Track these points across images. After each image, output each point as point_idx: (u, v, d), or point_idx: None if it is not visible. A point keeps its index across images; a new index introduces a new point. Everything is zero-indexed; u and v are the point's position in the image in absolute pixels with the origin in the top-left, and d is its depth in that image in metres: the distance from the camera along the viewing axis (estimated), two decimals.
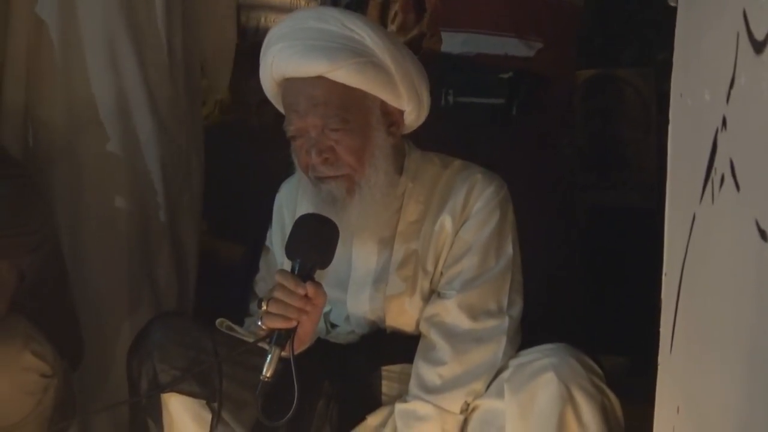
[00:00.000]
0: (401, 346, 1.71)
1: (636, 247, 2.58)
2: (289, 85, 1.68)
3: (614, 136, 3.13)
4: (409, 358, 1.69)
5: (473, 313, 1.65)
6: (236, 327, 1.66)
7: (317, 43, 1.63)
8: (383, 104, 1.68)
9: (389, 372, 1.72)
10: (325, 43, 1.63)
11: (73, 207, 2.17)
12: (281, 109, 1.76)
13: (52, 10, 2.16)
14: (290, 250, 1.57)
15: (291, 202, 1.84)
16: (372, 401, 1.69)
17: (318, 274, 1.56)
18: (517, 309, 1.68)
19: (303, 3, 3.92)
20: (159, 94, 2.25)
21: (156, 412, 1.66)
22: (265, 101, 2.60)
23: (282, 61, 1.65)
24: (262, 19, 3.28)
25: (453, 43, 2.51)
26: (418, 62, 1.73)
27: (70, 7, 2.16)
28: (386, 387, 1.71)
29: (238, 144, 2.96)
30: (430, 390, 1.62)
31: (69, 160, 2.19)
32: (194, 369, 1.61)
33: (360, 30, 1.64)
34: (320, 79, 1.63)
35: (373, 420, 1.66)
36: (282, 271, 1.56)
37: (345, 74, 1.63)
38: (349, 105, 1.64)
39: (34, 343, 1.74)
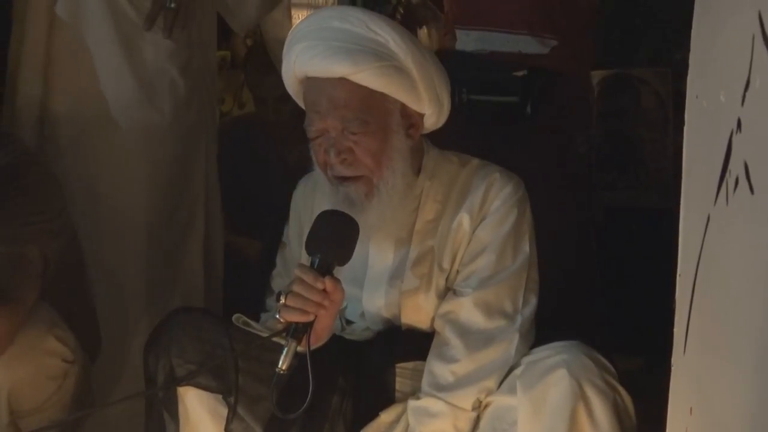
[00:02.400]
0: (416, 344, 1.72)
1: (652, 247, 2.57)
2: (311, 83, 1.69)
3: (631, 136, 3.12)
4: (423, 356, 1.69)
5: (488, 312, 1.66)
6: (252, 322, 1.67)
7: (340, 45, 1.63)
8: (403, 107, 1.69)
9: (403, 369, 1.73)
10: (349, 45, 1.63)
11: (90, 199, 2.19)
12: (303, 106, 1.76)
13: (67, 6, 2.17)
14: (310, 245, 1.58)
15: (308, 199, 1.84)
16: (386, 398, 1.70)
17: (335, 271, 1.57)
18: (531, 308, 1.69)
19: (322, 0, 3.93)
20: (174, 88, 2.26)
21: (172, 405, 1.67)
22: (282, 97, 2.62)
23: (304, 61, 1.66)
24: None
25: (467, 40, 2.51)
26: (441, 66, 1.73)
27: (85, 3, 2.18)
28: (400, 384, 1.72)
29: (256, 140, 2.98)
30: (442, 387, 1.63)
31: (84, 152, 2.20)
32: (210, 363, 1.62)
33: (384, 33, 1.64)
34: (342, 81, 1.63)
35: (386, 416, 1.67)
36: (301, 266, 1.57)
37: (367, 77, 1.63)
38: (369, 108, 1.64)
39: (57, 329, 1.77)
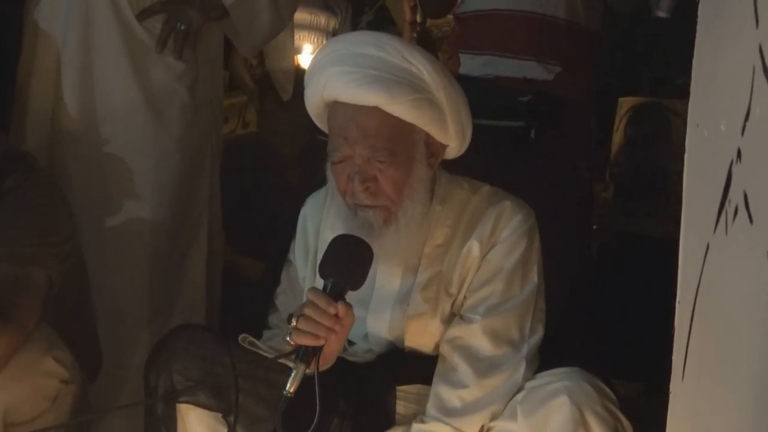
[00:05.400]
0: (418, 367, 1.72)
1: (659, 275, 2.58)
2: (339, 108, 1.67)
3: (657, 166, 3.11)
4: (425, 379, 1.69)
5: (496, 339, 1.66)
6: (258, 343, 1.67)
7: (377, 74, 1.62)
8: (428, 136, 1.69)
9: (405, 392, 1.72)
10: (385, 75, 1.62)
11: (96, 217, 2.19)
12: (322, 127, 1.76)
13: (78, 26, 2.20)
14: (324, 269, 1.58)
15: (316, 217, 1.84)
16: (386, 421, 1.70)
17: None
18: (538, 337, 1.69)
19: (323, 21, 3.96)
20: (182, 107, 2.27)
21: (171, 423, 1.67)
22: (297, 134, 2.62)
23: (338, 86, 1.64)
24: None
25: (472, 65, 2.53)
26: (465, 97, 1.72)
27: (90, 21, 2.19)
28: (401, 407, 1.72)
29: (259, 159, 2.99)
30: (449, 412, 1.62)
31: (92, 171, 2.21)
32: (208, 380, 1.62)
33: (419, 64, 1.64)
34: (375, 110, 1.62)
35: None
36: (314, 290, 1.57)
37: (402, 109, 1.63)
38: (398, 138, 1.64)
39: (56, 349, 1.76)
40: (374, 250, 1.60)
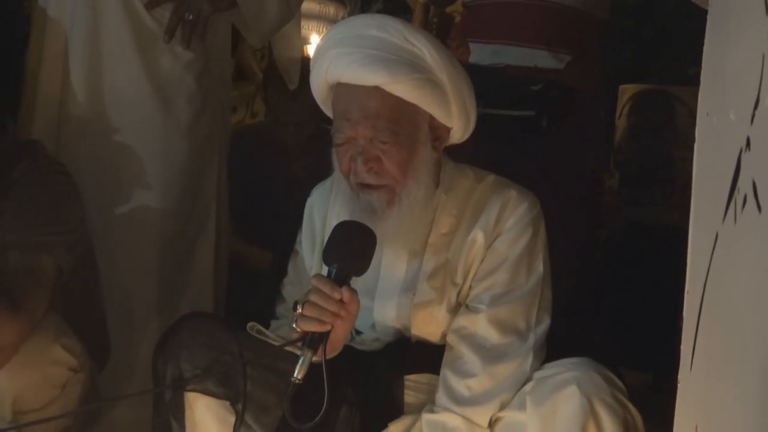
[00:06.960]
0: (425, 356, 1.72)
1: (666, 264, 2.59)
2: (342, 90, 1.68)
3: (661, 153, 3.10)
4: (432, 368, 1.70)
5: (502, 328, 1.66)
6: (266, 331, 1.68)
7: (378, 54, 1.62)
8: (432, 119, 1.69)
9: (413, 381, 1.73)
10: (386, 55, 1.62)
11: (104, 206, 2.20)
12: (327, 112, 1.76)
13: (87, 15, 2.20)
14: (328, 255, 1.58)
15: (323, 207, 1.84)
16: (394, 410, 1.70)
17: (351, 281, 1.57)
18: (544, 326, 1.69)
19: (332, 11, 3.95)
20: (190, 96, 2.27)
21: (179, 412, 1.68)
22: (302, 121, 2.60)
23: (339, 67, 1.65)
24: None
25: (482, 54, 2.51)
26: (470, 81, 1.72)
27: (98, 9, 2.20)
28: (409, 396, 1.72)
29: (266, 149, 2.98)
30: (459, 402, 1.63)
31: (101, 160, 2.21)
32: (216, 369, 1.63)
33: (421, 45, 1.64)
34: (376, 90, 1.63)
35: (395, 428, 1.66)
36: (319, 276, 1.57)
37: (402, 89, 1.63)
38: (400, 118, 1.64)
39: (65, 338, 1.77)
40: (378, 235, 1.61)
